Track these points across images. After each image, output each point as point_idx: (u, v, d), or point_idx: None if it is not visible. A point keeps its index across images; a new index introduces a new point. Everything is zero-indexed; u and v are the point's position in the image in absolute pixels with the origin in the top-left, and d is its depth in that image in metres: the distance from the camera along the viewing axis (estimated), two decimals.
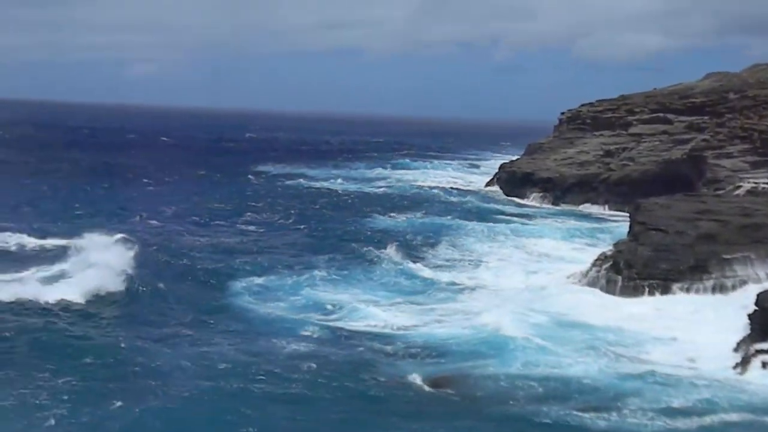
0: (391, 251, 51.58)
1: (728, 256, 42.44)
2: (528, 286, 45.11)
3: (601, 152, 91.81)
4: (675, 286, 41.92)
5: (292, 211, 70.99)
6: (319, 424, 25.82)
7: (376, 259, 50.13)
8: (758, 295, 34.80)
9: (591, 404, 27.51)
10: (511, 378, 29.75)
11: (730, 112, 79.28)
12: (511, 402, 27.81)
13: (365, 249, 52.62)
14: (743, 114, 75.11)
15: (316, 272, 45.90)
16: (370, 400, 27.85)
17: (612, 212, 76.18)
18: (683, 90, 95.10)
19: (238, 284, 42.33)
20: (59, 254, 44.33)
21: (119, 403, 25.61)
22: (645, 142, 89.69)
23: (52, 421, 24.19)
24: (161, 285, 40.50)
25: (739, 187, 58.83)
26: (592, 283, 44.88)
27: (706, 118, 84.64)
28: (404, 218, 68.30)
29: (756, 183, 58.27)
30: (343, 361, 31.26)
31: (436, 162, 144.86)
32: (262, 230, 61.10)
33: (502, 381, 29.53)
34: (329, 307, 39.09)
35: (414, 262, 49.88)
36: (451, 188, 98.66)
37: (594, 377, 30.03)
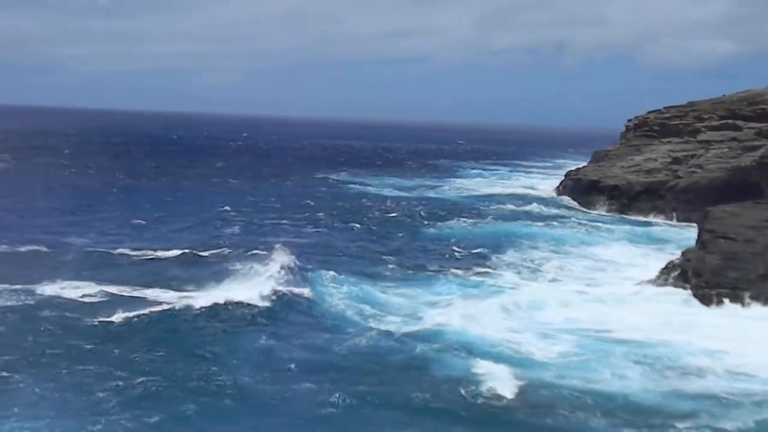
0: (456, 256, 51.84)
1: None
2: (591, 294, 44.96)
3: (668, 159, 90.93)
4: (745, 295, 41.54)
5: (364, 217, 72.12)
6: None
7: (442, 263, 50.48)
8: None
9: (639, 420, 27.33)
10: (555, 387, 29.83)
11: None
12: (559, 411, 27.76)
13: (432, 254, 53.01)
14: None
15: (386, 274, 47.29)
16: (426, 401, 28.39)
17: (680, 223, 75.32)
18: (752, 96, 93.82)
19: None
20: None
21: None
22: (713, 149, 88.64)
23: None
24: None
25: None
26: (661, 292, 44.64)
27: None
28: (471, 225, 68.45)
29: None
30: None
31: (502, 169, 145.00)
32: (336, 233, 62.58)
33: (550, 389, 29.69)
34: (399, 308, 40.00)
35: (478, 267, 50.01)
36: (517, 195, 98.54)
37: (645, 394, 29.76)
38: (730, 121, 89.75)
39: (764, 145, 79.33)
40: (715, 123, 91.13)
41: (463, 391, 29.08)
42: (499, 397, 28.71)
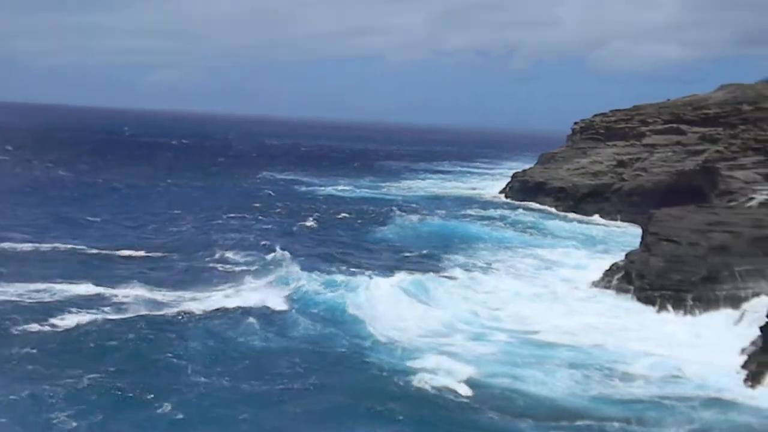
0: (405, 257, 51.78)
1: (740, 268, 42.34)
2: (534, 295, 45.06)
3: (614, 162, 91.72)
4: (687, 297, 41.87)
5: (306, 215, 71.66)
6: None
7: (391, 264, 50.35)
8: None
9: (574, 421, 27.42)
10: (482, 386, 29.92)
11: (744, 124, 78.99)
12: (487, 410, 27.84)
13: (378, 255, 52.92)
14: (757, 126, 74.80)
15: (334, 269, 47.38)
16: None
17: (624, 225, 75.81)
18: (697, 101, 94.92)
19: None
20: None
21: None
22: (658, 152, 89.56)
23: None
24: None
25: (752, 198, 58.43)
26: (604, 293, 44.90)
27: (719, 129, 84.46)
28: (418, 226, 68.34)
29: None
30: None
31: (450, 171, 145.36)
32: (269, 228, 62.65)
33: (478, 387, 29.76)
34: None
35: (425, 266, 49.92)
36: (465, 196, 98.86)
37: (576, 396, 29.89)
38: (675, 125, 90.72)
39: (708, 150, 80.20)
40: (659, 127, 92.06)
41: (394, 387, 29.31)
42: (430, 394, 28.92)
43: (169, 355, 31.21)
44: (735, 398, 29.78)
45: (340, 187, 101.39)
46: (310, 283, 43.48)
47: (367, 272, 47.29)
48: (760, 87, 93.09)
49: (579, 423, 27.05)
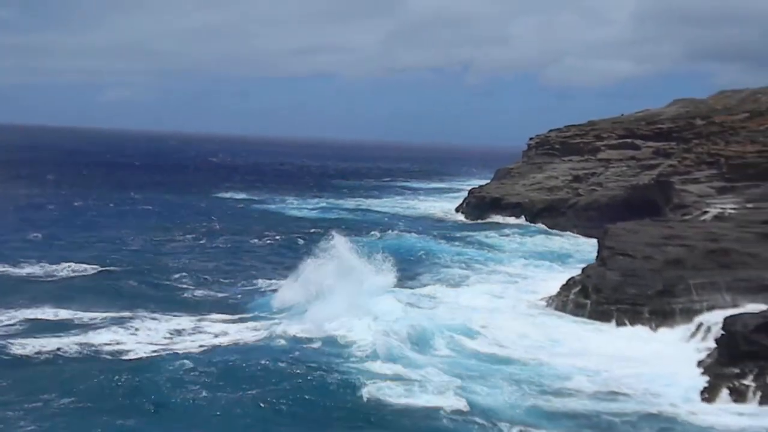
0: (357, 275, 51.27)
1: (695, 281, 42.49)
2: (488, 309, 44.79)
3: (569, 177, 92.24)
4: (644, 311, 41.94)
5: (258, 234, 71.13)
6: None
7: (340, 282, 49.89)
8: (725, 320, 34.85)
9: None
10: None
11: (697, 138, 79.75)
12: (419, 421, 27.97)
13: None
14: (710, 140, 75.54)
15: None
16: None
17: (580, 240, 75.98)
18: (650, 116, 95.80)
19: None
20: None
21: None
22: (613, 167, 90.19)
23: None
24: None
25: (706, 212, 58.91)
26: (561, 308, 44.87)
27: (673, 143, 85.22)
28: (373, 244, 67.81)
29: (722, 208, 58.37)
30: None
31: (406, 187, 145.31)
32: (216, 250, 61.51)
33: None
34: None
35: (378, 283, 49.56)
36: (421, 214, 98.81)
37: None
38: (629, 140, 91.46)
39: (661, 164, 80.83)
40: (614, 142, 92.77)
41: (338, 397, 29.45)
42: (371, 404, 29.07)
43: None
44: (678, 414, 29.60)
45: (294, 206, 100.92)
46: (263, 300, 42.97)
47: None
48: (713, 101, 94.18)
49: None
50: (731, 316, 35.31)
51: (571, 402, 30.50)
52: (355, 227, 79.12)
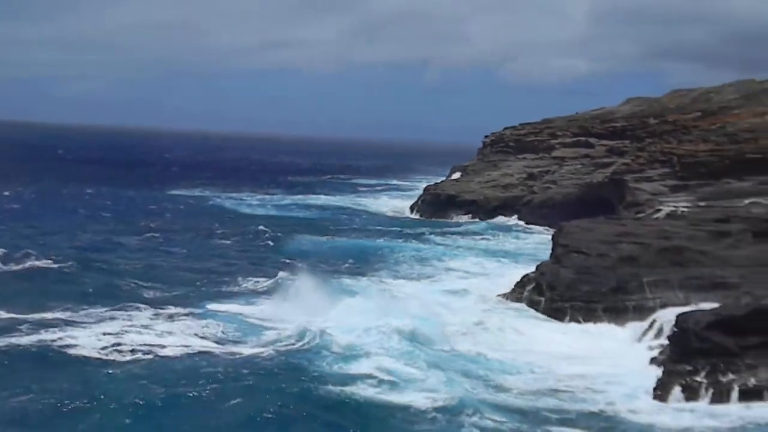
0: (314, 273, 51.01)
1: (648, 279, 42.74)
2: (445, 307, 44.75)
3: (524, 175, 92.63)
4: (598, 308, 42.11)
5: (214, 231, 70.67)
6: None
7: (298, 280, 49.56)
8: (678, 317, 35.03)
9: None
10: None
11: (650, 137, 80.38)
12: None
13: (289, 271, 52.23)
14: (663, 138, 76.12)
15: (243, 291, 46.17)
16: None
17: (535, 237, 76.17)
18: (605, 114, 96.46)
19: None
20: None
21: None
22: (567, 165, 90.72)
23: None
24: None
25: (659, 210, 59.27)
26: (515, 305, 44.93)
27: (626, 142, 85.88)
28: (332, 241, 67.78)
29: (675, 206, 58.77)
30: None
31: (363, 184, 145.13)
32: (169, 250, 60.64)
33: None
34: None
35: (338, 282, 49.31)
36: (378, 210, 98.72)
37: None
38: (584, 138, 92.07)
39: (615, 162, 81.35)
40: (568, 140, 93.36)
41: (292, 394, 29.36)
42: (328, 400, 29.09)
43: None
44: (618, 412, 29.68)
45: (250, 202, 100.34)
46: (216, 298, 42.66)
47: (283, 281, 47.66)
48: (666, 100, 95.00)
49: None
50: (684, 313, 35.49)
51: (512, 398, 30.56)
52: (311, 225, 78.98)
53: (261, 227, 73.82)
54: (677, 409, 29.95)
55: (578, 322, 41.81)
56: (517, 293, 46.44)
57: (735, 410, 29.76)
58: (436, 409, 28.42)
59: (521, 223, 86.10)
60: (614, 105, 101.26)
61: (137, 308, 40.61)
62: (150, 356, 33.54)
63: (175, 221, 76.11)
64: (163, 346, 34.74)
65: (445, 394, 29.73)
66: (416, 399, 29.29)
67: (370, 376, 31.25)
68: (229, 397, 28.77)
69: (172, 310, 40.61)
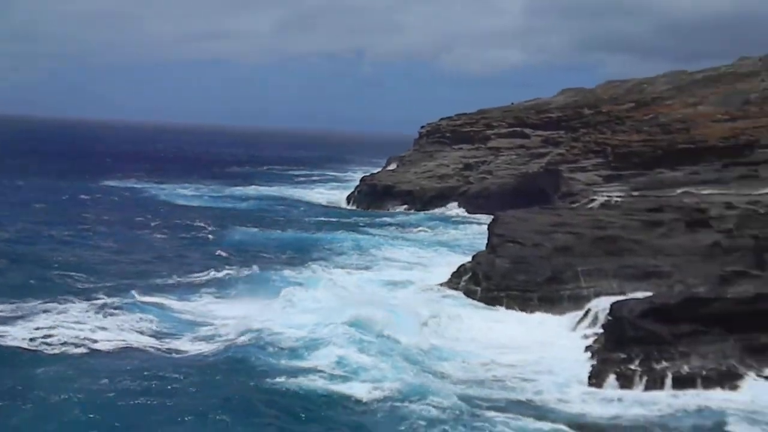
0: (252, 266, 50.80)
1: (583, 268, 43.18)
2: (382, 294, 44.96)
3: (460, 165, 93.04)
4: (533, 297, 42.42)
5: (147, 223, 69.77)
6: None
7: (236, 273, 49.28)
8: (612, 306, 35.43)
9: None
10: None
11: (585, 127, 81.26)
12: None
13: (225, 264, 51.87)
14: (597, 129, 76.99)
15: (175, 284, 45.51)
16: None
17: (472, 227, 76.38)
18: (540, 105, 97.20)
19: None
20: None
21: None
22: (503, 155, 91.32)
23: None
24: None
25: (593, 200, 59.90)
26: (454, 294, 45.03)
27: (561, 132, 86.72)
28: (267, 233, 67.28)
29: (609, 196, 59.40)
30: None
31: (299, 175, 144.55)
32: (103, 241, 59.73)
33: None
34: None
35: (277, 274, 49.03)
36: (314, 202, 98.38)
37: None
38: (519, 129, 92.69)
39: (550, 153, 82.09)
40: (504, 130, 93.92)
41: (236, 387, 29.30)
42: (269, 392, 29.13)
43: None
44: (547, 401, 29.98)
45: (186, 194, 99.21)
46: (151, 292, 42.30)
47: (220, 274, 47.75)
48: (600, 91, 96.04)
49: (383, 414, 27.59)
50: (618, 302, 35.91)
51: (450, 385, 30.81)
52: (248, 216, 78.44)
53: (197, 219, 73.28)
54: (606, 399, 30.25)
55: (513, 311, 42.08)
56: (453, 283, 46.58)
57: (663, 398, 30.21)
58: (378, 400, 28.59)
59: (458, 213, 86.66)
60: (549, 96, 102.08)
61: (70, 302, 39.81)
62: (83, 350, 33.06)
63: (108, 213, 74.83)
64: (96, 341, 34.22)
65: (389, 383, 29.89)
66: (360, 389, 29.38)
67: (314, 369, 31.19)
68: (167, 394, 28.35)
69: (105, 304, 39.74)
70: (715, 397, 30.25)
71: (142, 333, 36.08)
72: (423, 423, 26.67)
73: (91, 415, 26.22)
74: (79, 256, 52.52)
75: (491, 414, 27.93)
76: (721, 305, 33.30)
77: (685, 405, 29.54)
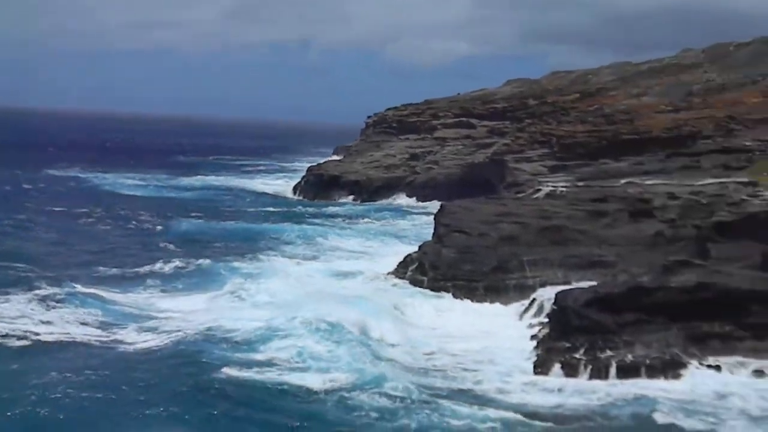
0: (199, 257, 50.44)
1: (528, 257, 43.48)
2: (332, 284, 45.00)
3: (406, 155, 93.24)
4: (479, 287, 42.62)
5: (90, 213, 68.87)
6: None
7: (182, 264, 48.86)
8: (557, 295, 35.75)
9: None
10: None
11: (530, 118, 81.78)
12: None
13: (171, 255, 51.44)
14: (542, 119, 77.50)
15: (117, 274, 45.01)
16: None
17: (418, 217, 76.54)
18: (486, 96, 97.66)
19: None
20: None
21: None
22: (449, 145, 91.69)
23: None
24: None
25: (539, 190, 60.22)
26: (401, 283, 45.06)
27: (507, 123, 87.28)
28: (213, 224, 66.83)
29: (554, 186, 59.74)
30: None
31: (244, 165, 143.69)
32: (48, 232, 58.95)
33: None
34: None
35: (225, 265, 48.68)
36: (260, 192, 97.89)
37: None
38: (465, 119, 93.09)
39: (496, 143, 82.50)
40: (450, 121, 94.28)
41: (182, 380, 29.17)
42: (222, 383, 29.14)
43: None
44: (487, 391, 30.10)
45: (131, 183, 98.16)
46: (95, 284, 42.00)
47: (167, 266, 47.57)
48: (545, 82, 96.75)
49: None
50: (563, 291, 36.28)
51: (394, 373, 30.82)
52: (194, 207, 77.88)
53: (142, 209, 72.59)
54: (547, 389, 30.47)
55: (460, 300, 42.24)
56: (400, 272, 46.62)
57: (603, 387, 30.52)
58: (327, 391, 28.63)
59: (404, 203, 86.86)
60: (495, 87, 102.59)
61: (11, 293, 39.12)
62: (26, 343, 32.55)
63: (51, 203, 73.75)
64: (39, 333, 33.74)
65: (341, 373, 30.04)
66: (313, 380, 29.45)
67: (267, 362, 31.23)
68: (115, 387, 28.09)
69: (47, 296, 39.08)
70: (655, 386, 30.61)
71: (86, 325, 35.59)
72: (373, 413, 26.85)
73: (39, 410, 25.85)
74: (19, 247, 51.70)
75: (440, 402, 28.09)
76: (665, 294, 33.79)
77: (624, 394, 29.86)
